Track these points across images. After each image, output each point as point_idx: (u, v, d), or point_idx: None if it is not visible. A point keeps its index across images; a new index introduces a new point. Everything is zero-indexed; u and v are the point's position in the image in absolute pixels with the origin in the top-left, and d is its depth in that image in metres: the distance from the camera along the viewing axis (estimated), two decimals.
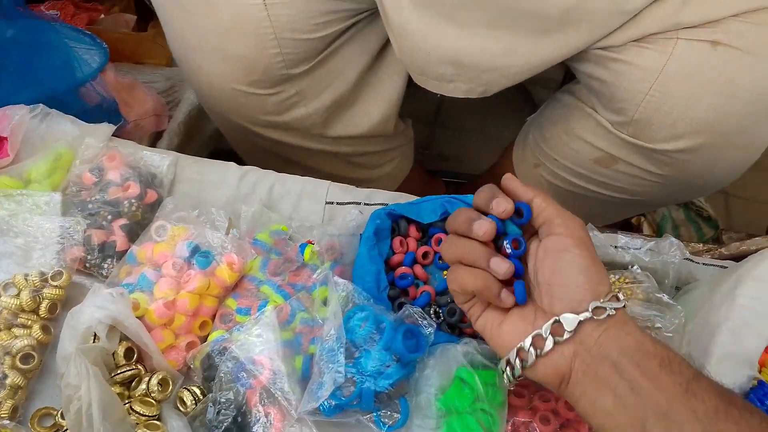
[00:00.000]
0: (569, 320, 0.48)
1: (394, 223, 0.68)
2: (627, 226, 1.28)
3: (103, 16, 1.25)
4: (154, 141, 1.09)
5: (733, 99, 0.80)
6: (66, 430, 0.56)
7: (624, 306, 0.49)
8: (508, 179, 0.55)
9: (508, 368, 0.51)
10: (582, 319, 0.48)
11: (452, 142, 1.54)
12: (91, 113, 0.88)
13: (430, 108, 1.59)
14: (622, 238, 0.71)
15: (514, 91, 1.62)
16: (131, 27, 1.28)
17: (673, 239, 0.68)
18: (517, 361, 0.50)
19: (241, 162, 0.79)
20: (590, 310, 0.48)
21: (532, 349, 0.49)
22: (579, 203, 1.03)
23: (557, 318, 0.49)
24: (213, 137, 1.18)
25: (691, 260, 0.70)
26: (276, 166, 0.82)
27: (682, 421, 0.43)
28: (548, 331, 0.49)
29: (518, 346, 0.50)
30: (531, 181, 1.08)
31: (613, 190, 0.99)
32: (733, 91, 0.79)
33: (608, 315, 0.48)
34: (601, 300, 0.49)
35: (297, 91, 0.91)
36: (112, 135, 0.74)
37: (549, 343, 0.49)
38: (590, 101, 0.92)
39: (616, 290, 0.52)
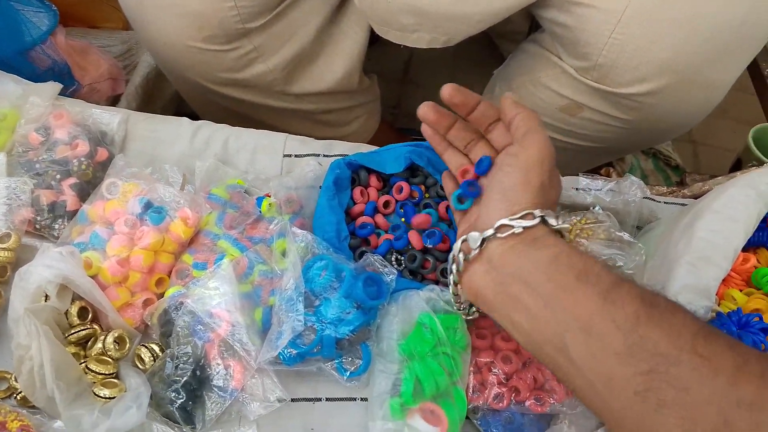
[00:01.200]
0: (473, 238, 0.50)
1: (355, 173, 0.67)
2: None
3: None
4: (111, 105, 1.05)
5: (694, 37, 0.79)
6: (21, 392, 0.54)
7: (540, 223, 0.49)
8: (504, 97, 0.57)
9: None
10: (485, 236, 0.49)
11: (422, 99, 1.52)
12: (42, 77, 0.85)
13: (399, 66, 1.57)
14: (583, 180, 0.71)
15: (481, 45, 1.60)
16: None
17: (634, 179, 0.68)
18: (454, 266, 0.52)
19: None
20: (494, 227, 0.49)
21: (461, 256, 0.51)
22: None
23: (464, 237, 0.50)
24: (173, 100, 1.15)
25: (653, 199, 0.70)
26: (239, 125, 0.80)
27: (602, 332, 0.42)
28: (458, 250, 0.51)
29: (451, 254, 0.52)
30: None
31: (580, 138, 0.98)
32: (693, 29, 0.79)
33: (513, 233, 0.48)
34: (510, 218, 0.49)
35: (255, 47, 0.88)
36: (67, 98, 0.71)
37: (461, 261, 0.50)
38: (555, 49, 0.91)
39: (574, 229, 0.52)
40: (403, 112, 1.49)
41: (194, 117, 0.74)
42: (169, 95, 1.14)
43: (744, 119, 1.39)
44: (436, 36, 0.85)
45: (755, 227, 0.57)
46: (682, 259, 0.56)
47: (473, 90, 1.12)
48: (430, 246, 0.63)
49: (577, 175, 0.74)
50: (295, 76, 0.95)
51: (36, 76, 0.84)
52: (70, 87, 0.93)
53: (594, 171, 1.23)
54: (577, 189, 0.71)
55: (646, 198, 0.69)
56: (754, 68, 1.14)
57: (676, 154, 1.35)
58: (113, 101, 1.07)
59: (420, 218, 0.64)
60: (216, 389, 0.55)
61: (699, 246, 0.56)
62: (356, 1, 0.83)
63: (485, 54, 1.49)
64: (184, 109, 1.12)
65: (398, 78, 1.54)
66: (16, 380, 0.55)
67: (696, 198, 0.74)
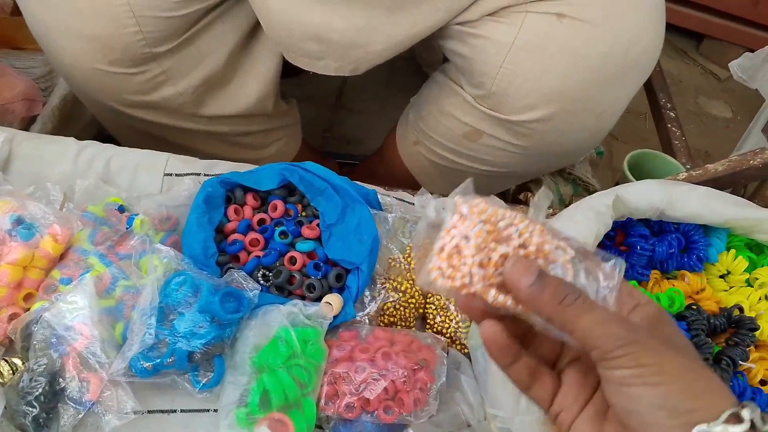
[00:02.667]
0: None
1: (230, 192, 0.70)
2: (516, 202, 1.32)
3: None
4: (27, 126, 1.06)
5: (579, 67, 0.84)
6: None
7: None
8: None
9: None
10: None
11: (353, 124, 1.56)
12: None
13: (332, 90, 1.61)
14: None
15: (413, 73, 1.65)
16: (8, 11, 1.24)
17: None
18: None
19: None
20: None
21: None
22: (454, 177, 1.06)
23: None
24: (93, 123, 1.16)
25: None
26: (156, 148, 0.81)
27: None
28: None
29: None
30: (411, 157, 1.11)
31: (482, 163, 1.03)
32: (579, 60, 0.84)
33: None
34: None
35: (163, 70, 0.90)
36: None
37: None
38: (457, 78, 0.95)
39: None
40: (334, 135, 1.53)
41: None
42: (89, 118, 1.15)
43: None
44: (342, 64, 0.88)
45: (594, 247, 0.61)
46: None
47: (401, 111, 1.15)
48: (312, 278, 0.65)
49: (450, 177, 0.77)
50: (206, 100, 0.97)
51: None
52: None
53: (514, 197, 1.27)
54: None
55: None
56: (652, 97, 1.21)
57: (594, 180, 1.40)
58: (29, 122, 1.07)
59: (309, 231, 0.66)
60: (70, 401, 0.56)
61: None
62: (264, 29, 0.87)
63: (417, 82, 1.54)
64: (105, 132, 1.13)
65: (331, 103, 1.58)
66: None
67: None
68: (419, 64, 1.56)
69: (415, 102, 1.13)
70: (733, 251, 0.68)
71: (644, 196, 0.64)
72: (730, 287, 0.70)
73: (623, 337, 0.36)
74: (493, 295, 0.39)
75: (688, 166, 1.18)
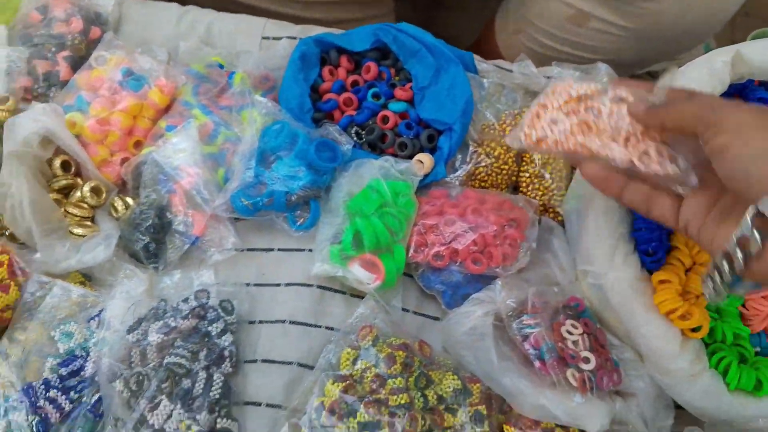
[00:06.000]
0: None
1: (325, 53, 0.70)
2: None
3: None
4: None
5: None
6: (7, 229, 0.61)
7: None
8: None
9: (718, 271, 0.40)
10: None
11: (450, 21, 1.52)
12: None
13: None
14: (555, 69, 0.71)
15: None
16: None
17: (603, 65, 0.68)
18: (738, 252, 0.38)
19: None
20: None
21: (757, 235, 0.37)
22: None
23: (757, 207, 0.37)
24: None
25: None
26: None
27: None
28: (749, 226, 0.37)
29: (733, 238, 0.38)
30: (511, 48, 1.07)
31: (587, 50, 0.97)
32: None
33: None
34: None
35: None
36: None
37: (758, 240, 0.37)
38: None
39: None
40: (431, 32, 1.49)
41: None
42: None
43: None
44: None
45: None
46: None
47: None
48: (404, 137, 0.65)
49: (551, 64, 0.74)
50: None
51: None
52: None
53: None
54: (548, 77, 0.71)
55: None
56: None
57: None
58: None
59: (402, 92, 0.66)
60: (177, 234, 0.60)
61: None
62: None
63: None
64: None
65: (427, 2, 1.53)
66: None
67: None
68: None
69: None
70: None
71: None
72: None
73: (716, 105, 0.41)
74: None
75: None
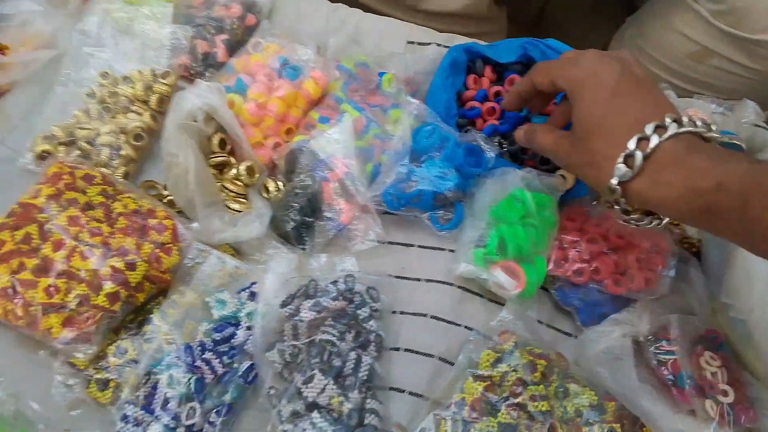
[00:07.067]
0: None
1: (471, 62, 0.72)
2: None
3: None
4: None
5: None
6: (167, 196, 0.65)
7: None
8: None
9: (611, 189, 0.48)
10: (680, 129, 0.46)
11: None
12: None
13: (533, 12, 1.57)
14: (697, 101, 0.72)
15: (618, 2, 1.57)
16: None
17: (750, 102, 0.68)
18: (624, 169, 0.46)
19: None
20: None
21: (639, 154, 0.46)
22: None
23: (640, 134, 0.46)
24: None
25: (764, 127, 0.70)
26: None
27: None
28: (634, 145, 0.46)
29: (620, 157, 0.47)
30: None
31: (704, 87, 0.97)
32: None
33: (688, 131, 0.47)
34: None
35: None
36: None
37: (639, 160, 0.46)
38: None
39: None
40: None
41: None
42: None
43: None
44: None
45: None
46: None
47: (603, 41, 1.12)
48: None
49: (692, 96, 0.74)
50: None
51: None
52: None
53: None
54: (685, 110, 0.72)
55: (758, 126, 0.69)
56: None
57: None
58: None
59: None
60: (326, 220, 0.62)
61: None
62: None
63: (620, 6, 1.47)
64: None
65: (532, 24, 1.55)
66: (164, 188, 0.66)
67: None
68: None
69: (635, 19, 1.08)
70: None
71: None
72: None
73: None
74: None
75: None
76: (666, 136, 0.45)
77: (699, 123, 0.47)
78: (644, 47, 1.03)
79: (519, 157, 0.67)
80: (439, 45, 0.76)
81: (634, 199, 0.47)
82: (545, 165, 0.66)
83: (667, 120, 0.46)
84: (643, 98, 0.48)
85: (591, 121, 0.48)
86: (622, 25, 1.15)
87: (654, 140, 0.45)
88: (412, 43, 0.77)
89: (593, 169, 0.49)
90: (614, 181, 0.47)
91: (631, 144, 0.46)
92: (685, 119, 0.46)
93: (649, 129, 0.46)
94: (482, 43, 0.74)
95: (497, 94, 0.71)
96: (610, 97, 0.48)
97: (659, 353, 0.56)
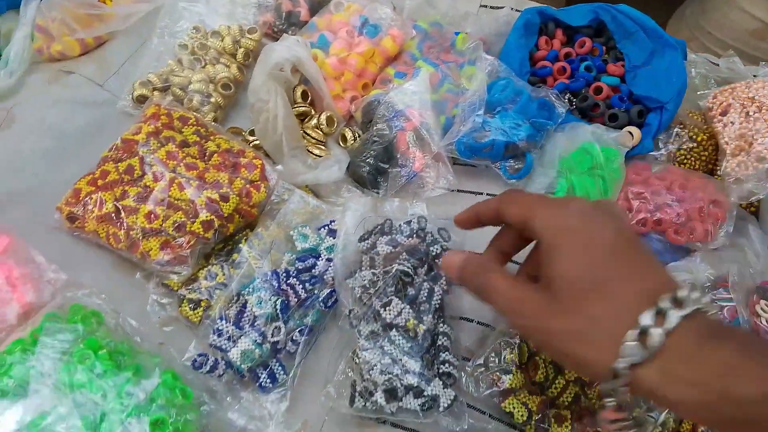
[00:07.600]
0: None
1: (543, 24, 0.74)
2: None
3: None
4: None
5: None
6: (251, 142, 0.70)
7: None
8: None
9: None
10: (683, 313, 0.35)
11: None
12: None
13: None
14: (764, 69, 0.72)
15: None
16: None
17: None
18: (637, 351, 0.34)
19: None
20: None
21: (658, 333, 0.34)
22: None
23: (655, 309, 0.35)
24: None
25: None
26: None
27: None
28: (651, 321, 0.34)
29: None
30: None
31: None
32: None
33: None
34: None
35: None
36: None
37: (657, 341, 0.34)
38: None
39: None
40: None
41: None
42: None
43: None
44: None
45: None
46: None
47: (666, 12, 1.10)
48: (616, 109, 0.69)
49: (758, 64, 0.75)
50: None
51: None
52: None
53: None
54: (755, 76, 0.72)
55: None
56: None
57: None
58: None
59: (614, 68, 0.70)
60: (400, 167, 0.66)
61: None
62: None
63: None
64: None
65: None
66: (250, 134, 0.71)
67: None
68: None
69: None
70: None
71: None
72: None
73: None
74: None
75: None
76: (684, 313, 0.34)
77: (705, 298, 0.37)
78: (705, 25, 1.03)
79: (588, 113, 0.70)
80: (512, 9, 0.78)
81: (643, 390, 0.35)
82: (613, 122, 0.68)
83: (682, 293, 0.35)
84: (645, 263, 0.38)
85: (584, 283, 0.37)
86: (683, 3, 1.15)
87: (673, 317, 0.34)
88: (485, 6, 0.80)
89: (585, 345, 0.36)
90: (622, 364, 0.35)
91: (646, 319, 0.34)
92: (696, 293, 0.35)
93: (664, 302, 0.35)
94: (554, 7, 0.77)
95: (567, 55, 0.73)
96: (609, 256, 0.38)
97: (717, 300, 0.58)
